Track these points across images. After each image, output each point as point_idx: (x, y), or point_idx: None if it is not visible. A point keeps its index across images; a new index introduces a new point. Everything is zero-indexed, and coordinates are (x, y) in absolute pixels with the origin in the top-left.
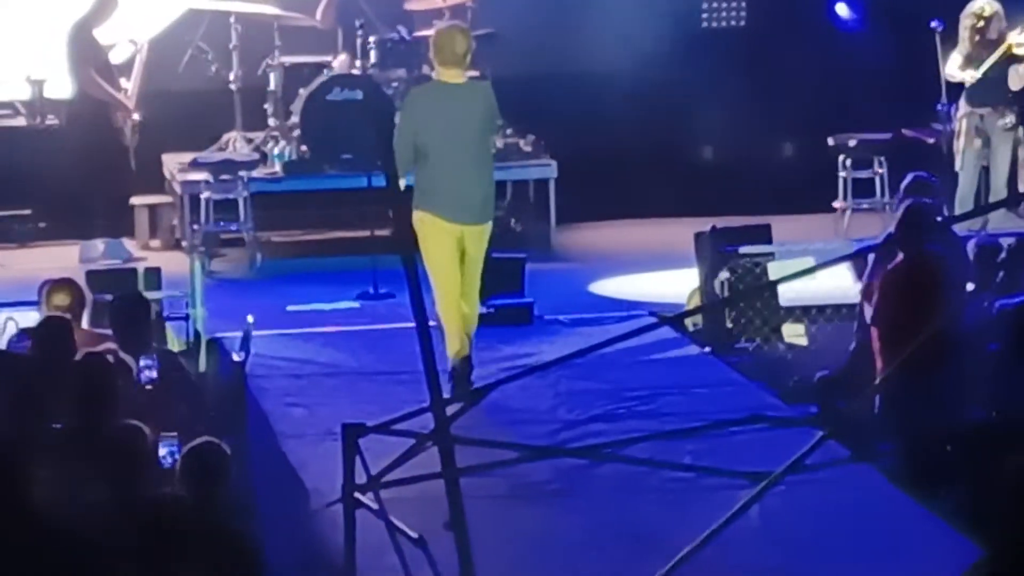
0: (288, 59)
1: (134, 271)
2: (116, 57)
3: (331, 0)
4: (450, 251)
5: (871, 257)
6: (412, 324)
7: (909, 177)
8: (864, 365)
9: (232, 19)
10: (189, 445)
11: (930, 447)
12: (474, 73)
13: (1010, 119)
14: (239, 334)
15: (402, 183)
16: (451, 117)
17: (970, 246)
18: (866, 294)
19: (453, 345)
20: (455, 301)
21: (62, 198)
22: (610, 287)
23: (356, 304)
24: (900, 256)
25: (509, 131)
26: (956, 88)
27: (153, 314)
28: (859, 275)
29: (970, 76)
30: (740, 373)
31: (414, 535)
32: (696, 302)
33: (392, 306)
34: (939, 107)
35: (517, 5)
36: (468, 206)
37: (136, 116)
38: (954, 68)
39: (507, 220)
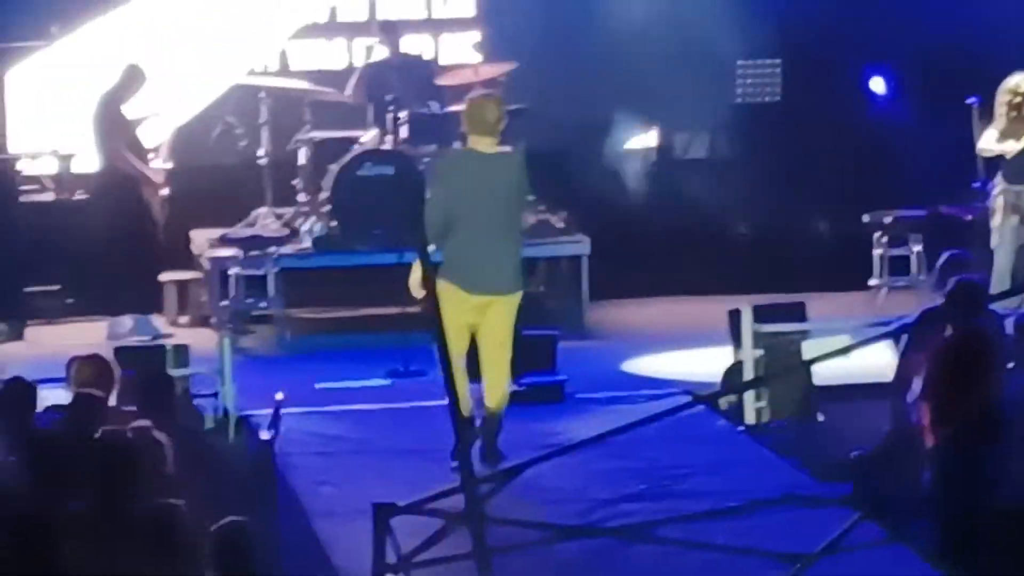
0: (318, 134)
1: (162, 348)
2: (147, 132)
3: (361, 75)
4: (462, 322)
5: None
6: (443, 402)
7: (945, 255)
8: (901, 443)
9: (262, 94)
10: (216, 525)
11: (976, 525)
12: (506, 148)
13: None
14: (268, 411)
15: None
16: (481, 187)
17: (1008, 324)
18: (903, 371)
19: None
20: (458, 368)
21: (90, 273)
22: (643, 365)
23: (386, 381)
24: (949, 331)
25: (542, 207)
26: (992, 165)
27: (181, 391)
28: (899, 353)
29: (1010, 147)
30: (774, 452)
31: None
32: (730, 381)
33: (423, 383)
34: (975, 184)
35: (549, 80)
36: (493, 277)
37: (165, 191)
38: (991, 142)
39: (540, 297)
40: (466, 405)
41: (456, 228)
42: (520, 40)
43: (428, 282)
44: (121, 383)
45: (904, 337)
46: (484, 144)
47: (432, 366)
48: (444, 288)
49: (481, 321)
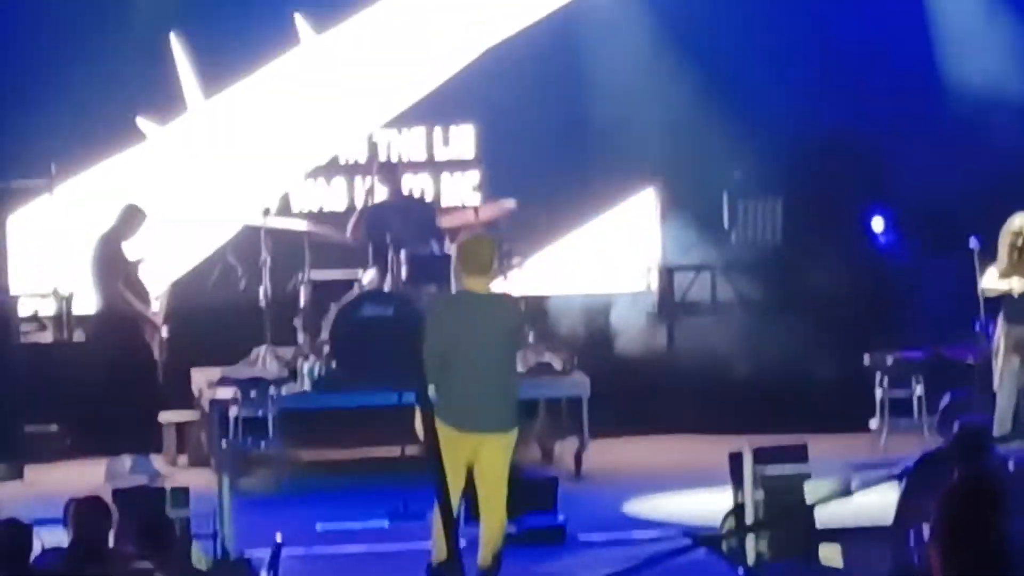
0: (319, 274)
1: (162, 490)
2: (148, 272)
3: (361, 215)
4: (457, 461)
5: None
6: None
7: (948, 396)
8: None
9: (263, 233)
10: None
11: None
12: (501, 291)
13: None
14: (268, 553)
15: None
16: (474, 327)
17: (1011, 466)
18: (903, 515)
19: (439, 551)
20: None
21: (89, 414)
22: (644, 507)
23: (386, 523)
24: (956, 475)
25: (542, 348)
26: (994, 306)
27: (180, 532)
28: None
29: (1014, 286)
30: None
31: None
32: (731, 523)
33: (423, 525)
34: (977, 325)
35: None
36: (485, 415)
37: (164, 331)
38: (993, 281)
39: (541, 437)
40: (441, 550)
41: (450, 368)
42: (519, 180)
43: (426, 423)
44: (119, 525)
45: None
46: (478, 284)
47: (432, 507)
48: (439, 428)
49: (476, 460)
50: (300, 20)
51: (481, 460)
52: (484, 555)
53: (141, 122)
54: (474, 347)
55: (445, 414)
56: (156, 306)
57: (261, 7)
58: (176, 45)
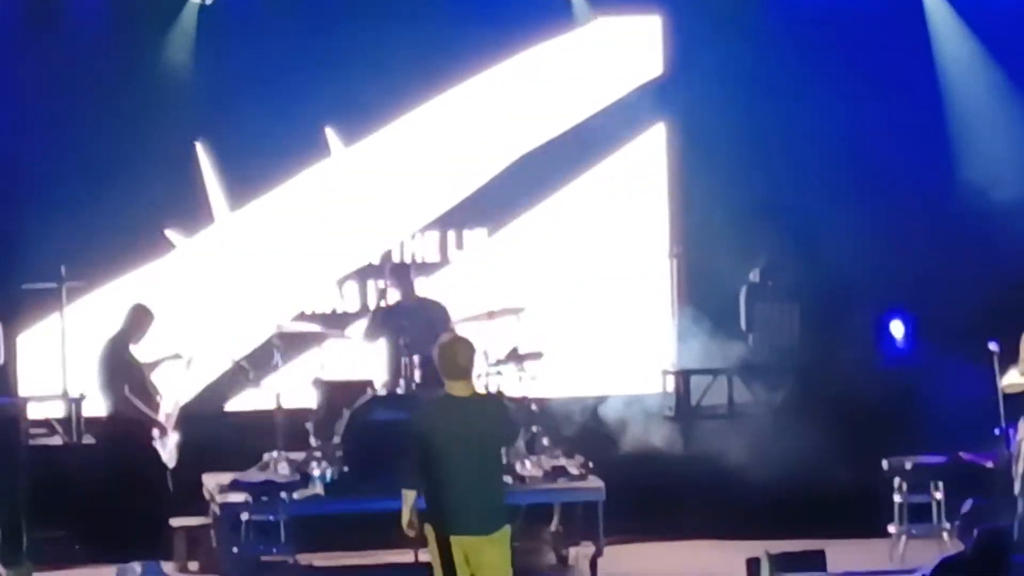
0: (330, 377)
1: None
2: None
3: (374, 318)
4: (449, 566)
5: None
6: None
7: (969, 502)
8: None
9: (275, 337)
10: None
11: None
12: (484, 392)
13: None
14: None
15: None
16: (455, 430)
17: None
18: None
19: None
20: None
21: (98, 519)
22: None
23: None
24: None
25: (557, 452)
26: (1014, 410)
27: None
28: None
29: None
30: None
31: None
32: None
33: None
34: (997, 429)
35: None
36: (470, 517)
37: (175, 436)
38: (1014, 378)
39: (555, 543)
40: None
41: (433, 472)
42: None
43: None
44: None
45: None
46: (458, 388)
47: None
48: (428, 532)
49: (474, 564)
50: (331, 134)
51: (481, 565)
52: None
53: (170, 233)
54: (454, 450)
55: (433, 518)
56: (167, 409)
57: (287, 120)
58: (202, 154)
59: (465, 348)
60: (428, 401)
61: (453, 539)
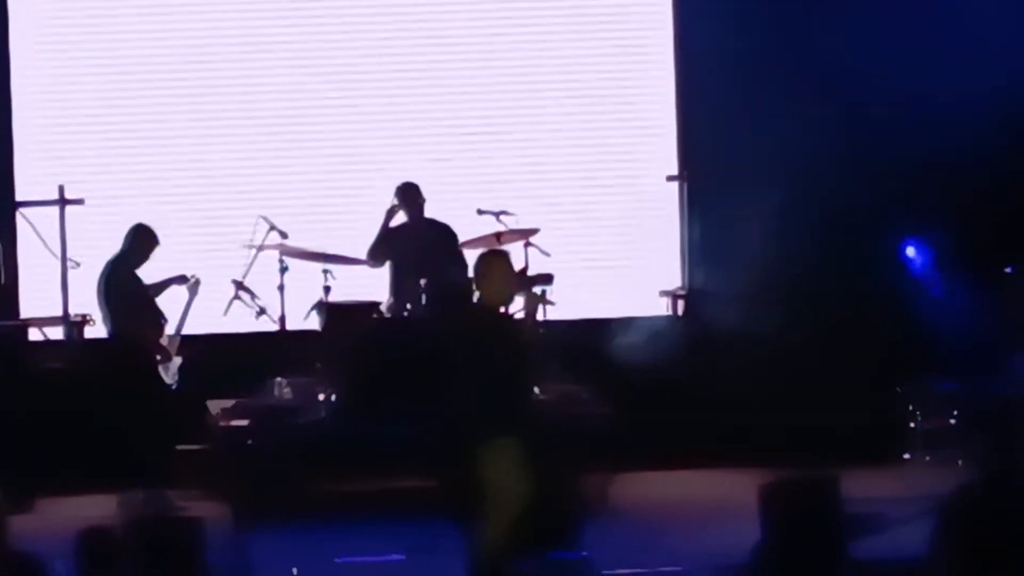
0: (336, 300)
1: (181, 521)
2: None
3: (381, 239)
4: (464, 478)
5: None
6: None
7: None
8: None
9: (280, 258)
10: None
11: None
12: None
13: None
14: None
15: None
16: (470, 343)
17: None
18: (936, 554)
19: None
20: None
21: (101, 445)
22: (671, 541)
23: (404, 558)
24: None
25: (565, 379)
26: None
27: (195, 564)
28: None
29: None
30: None
31: None
32: (761, 557)
33: (440, 558)
34: (1014, 357)
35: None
36: (479, 428)
37: (177, 359)
38: None
39: (564, 472)
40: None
41: (451, 383)
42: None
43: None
44: (134, 557)
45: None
46: (489, 301)
47: (451, 541)
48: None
49: (487, 477)
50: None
51: (488, 475)
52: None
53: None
54: (471, 363)
55: (455, 428)
56: (170, 332)
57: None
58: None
59: (498, 262)
60: (458, 313)
61: (465, 450)
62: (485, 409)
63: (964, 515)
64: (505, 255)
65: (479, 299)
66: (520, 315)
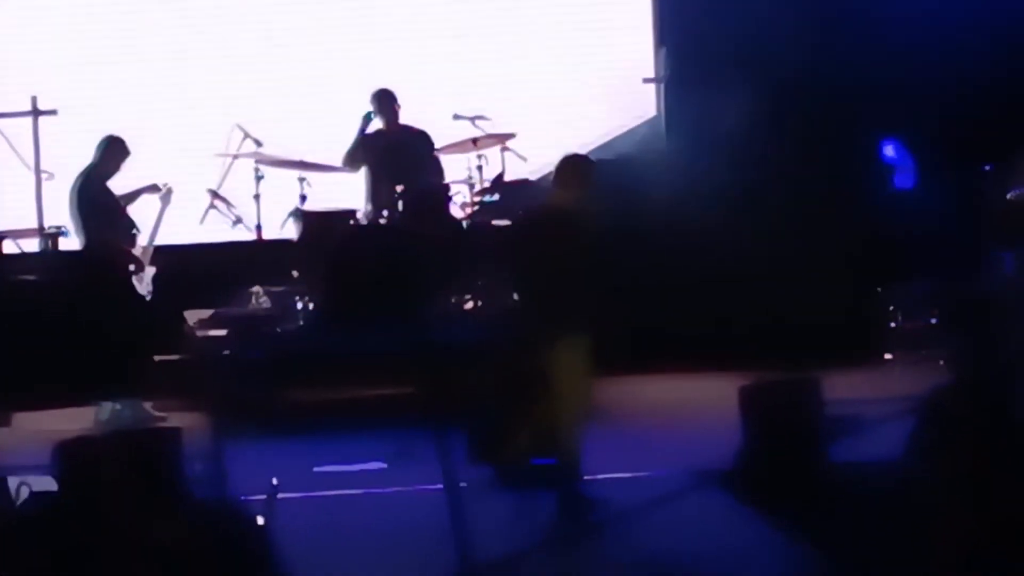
0: (312, 208)
1: (160, 431)
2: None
3: (357, 145)
4: (533, 374)
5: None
6: (439, 486)
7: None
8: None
9: (256, 166)
10: None
11: None
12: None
13: None
14: (263, 497)
15: None
16: (537, 240)
17: None
18: (914, 451)
19: None
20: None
21: (78, 357)
22: (652, 445)
23: (385, 465)
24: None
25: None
26: (1011, 234)
27: (173, 475)
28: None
29: None
30: (788, 535)
31: None
32: (743, 460)
33: (423, 467)
34: (993, 253)
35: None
36: (550, 324)
37: (151, 270)
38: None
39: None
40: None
41: (520, 281)
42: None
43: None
44: (115, 468)
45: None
46: (554, 199)
47: (431, 448)
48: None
49: (557, 373)
50: None
51: (559, 371)
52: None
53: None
54: (538, 260)
55: (524, 324)
56: (144, 243)
57: None
58: None
59: (578, 164)
60: (526, 211)
61: (536, 346)
62: (563, 306)
63: (944, 414)
64: (589, 160)
65: (556, 198)
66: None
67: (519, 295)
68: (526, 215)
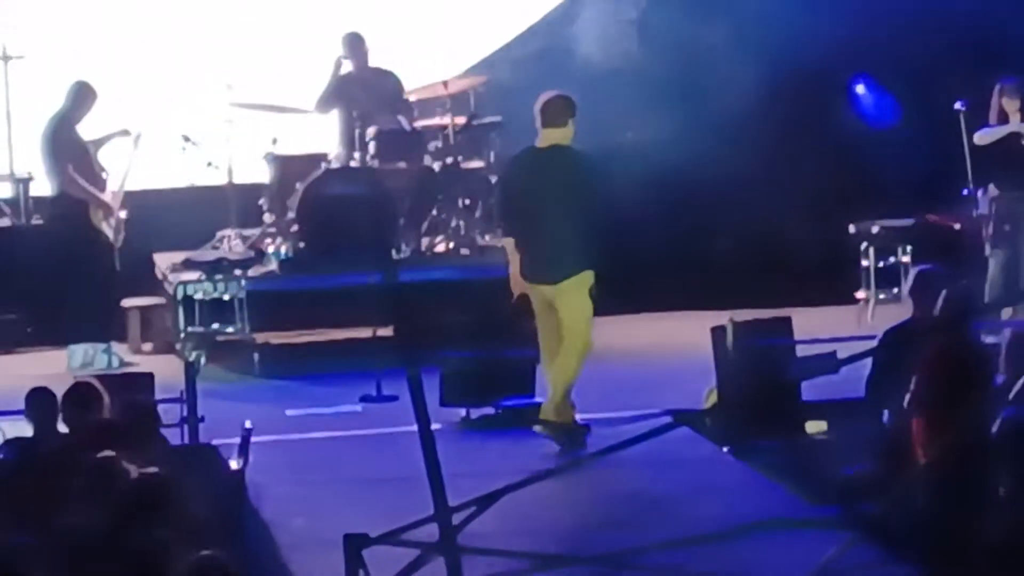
0: (283, 151)
1: (138, 375)
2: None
3: (328, 88)
4: (542, 314)
5: None
6: (414, 428)
7: (914, 272)
8: (891, 462)
9: (226, 109)
10: (193, 559)
11: (968, 547)
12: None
13: None
14: (237, 440)
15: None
16: (533, 179)
17: (1004, 335)
18: (875, 393)
19: (546, 408)
20: (547, 365)
21: (48, 301)
22: (624, 385)
23: (358, 407)
24: (944, 341)
25: None
26: (982, 171)
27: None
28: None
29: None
30: (762, 474)
31: None
32: (714, 400)
33: (395, 409)
34: (965, 191)
35: (524, 94)
36: (549, 265)
37: (121, 214)
38: (991, 131)
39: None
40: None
41: (519, 222)
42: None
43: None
44: (89, 412)
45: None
46: (544, 139)
47: (405, 390)
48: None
49: (556, 308)
50: None
51: (559, 309)
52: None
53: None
54: (535, 199)
55: (524, 267)
56: (114, 187)
57: None
58: None
59: (556, 99)
60: (518, 153)
61: (534, 287)
62: (572, 241)
63: (902, 355)
64: (561, 95)
65: (547, 138)
66: None
67: (521, 235)
68: (520, 156)
